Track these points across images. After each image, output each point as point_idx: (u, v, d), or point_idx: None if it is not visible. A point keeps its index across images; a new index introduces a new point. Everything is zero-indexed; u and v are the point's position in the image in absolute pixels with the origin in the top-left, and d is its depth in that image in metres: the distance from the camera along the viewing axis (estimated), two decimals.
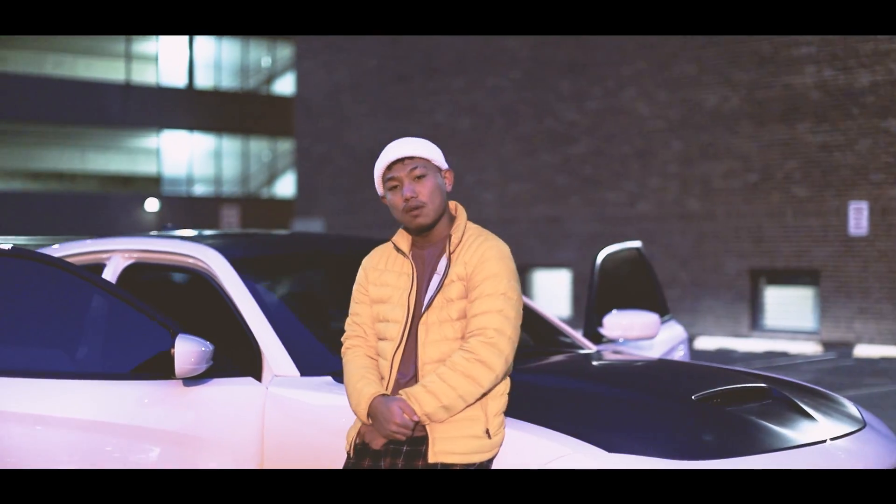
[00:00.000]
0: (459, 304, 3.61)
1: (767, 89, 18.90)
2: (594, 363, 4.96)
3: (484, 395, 3.56)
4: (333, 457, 3.88)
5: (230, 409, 4.25)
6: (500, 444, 3.61)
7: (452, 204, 3.79)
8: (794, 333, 18.73)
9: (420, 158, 3.68)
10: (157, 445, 4.14)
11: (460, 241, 3.68)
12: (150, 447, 4.13)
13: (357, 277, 3.86)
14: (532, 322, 5.54)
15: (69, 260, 5.61)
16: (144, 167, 39.48)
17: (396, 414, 3.49)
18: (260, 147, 39.58)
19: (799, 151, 18.54)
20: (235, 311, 4.60)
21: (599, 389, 4.25)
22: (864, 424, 4.31)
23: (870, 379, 13.72)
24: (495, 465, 3.60)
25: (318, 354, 4.44)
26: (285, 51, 38.98)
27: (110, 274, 5.23)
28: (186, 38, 37.21)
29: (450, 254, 3.67)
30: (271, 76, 39.80)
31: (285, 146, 39.01)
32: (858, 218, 17.85)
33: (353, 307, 3.83)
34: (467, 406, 3.53)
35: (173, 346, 4.08)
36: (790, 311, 19.14)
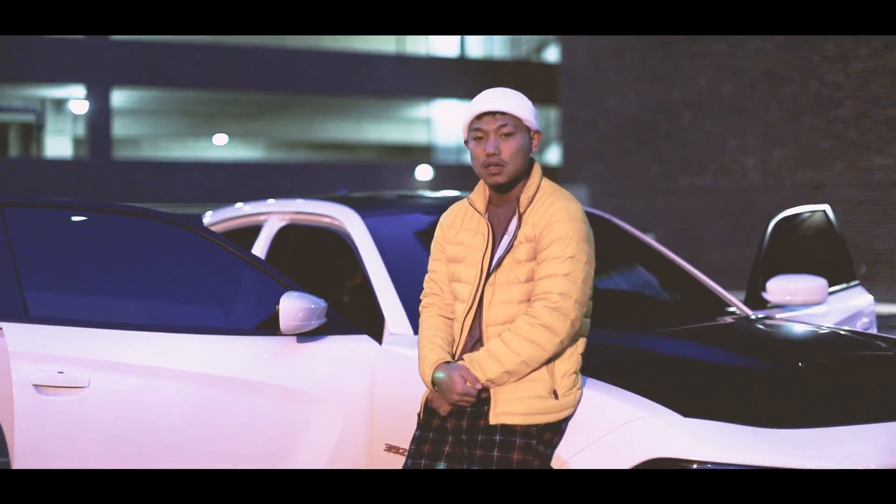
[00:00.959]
0: (528, 266, 3.54)
1: None
2: (727, 328, 4.79)
3: (551, 359, 3.49)
4: None
5: (342, 365, 4.32)
6: (575, 405, 3.54)
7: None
8: None
9: (512, 116, 3.59)
10: (266, 399, 4.25)
11: (531, 202, 3.60)
12: (259, 401, 4.24)
13: (435, 234, 3.83)
14: (683, 285, 5.41)
15: (232, 222, 5.84)
16: (417, 136, 40.30)
17: (458, 383, 3.47)
18: None
19: None
20: (364, 269, 4.68)
21: (706, 354, 4.11)
22: None
23: None
24: (570, 425, 3.54)
25: None
26: None
27: (267, 234, 5.41)
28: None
29: (520, 214, 3.59)
30: (542, 44, 39.84)
31: (555, 114, 39.04)
32: None
33: (431, 264, 3.80)
34: (532, 371, 3.48)
35: (278, 303, 4.17)
36: None
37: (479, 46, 39.10)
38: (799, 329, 4.75)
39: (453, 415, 3.55)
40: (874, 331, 6.01)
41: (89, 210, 4.40)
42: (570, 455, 3.51)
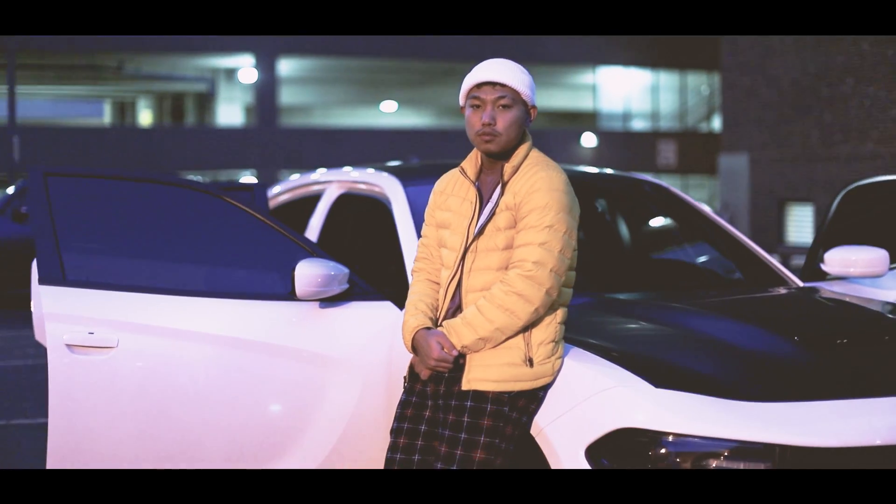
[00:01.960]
0: (507, 234, 3.58)
1: None
2: (752, 300, 4.73)
3: (528, 327, 3.54)
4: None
5: (363, 330, 4.43)
6: (553, 374, 3.58)
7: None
8: None
9: (511, 89, 3.62)
10: (288, 362, 4.39)
11: (516, 171, 3.64)
12: (282, 363, 4.38)
13: (429, 200, 3.91)
14: (737, 256, 5.35)
15: (297, 191, 6.01)
16: (583, 103, 40.11)
17: (435, 349, 3.54)
18: (698, 81, 39.13)
19: None
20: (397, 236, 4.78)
21: (707, 325, 4.07)
22: None
23: None
24: (550, 393, 3.59)
25: None
26: None
27: (325, 204, 5.56)
28: None
29: (503, 182, 3.63)
30: None
31: (716, 81, 38.43)
32: None
33: (424, 230, 3.87)
34: (508, 338, 3.54)
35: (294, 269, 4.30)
36: None
37: None
38: (832, 302, 4.66)
39: (433, 380, 3.63)
40: None
41: (127, 179, 4.61)
42: (546, 423, 3.56)
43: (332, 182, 5.66)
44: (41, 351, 11.06)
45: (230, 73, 37.36)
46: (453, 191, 3.78)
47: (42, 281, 4.37)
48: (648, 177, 5.73)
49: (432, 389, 3.63)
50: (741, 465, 3.34)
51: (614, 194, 5.82)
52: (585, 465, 3.43)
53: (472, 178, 3.73)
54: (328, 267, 4.32)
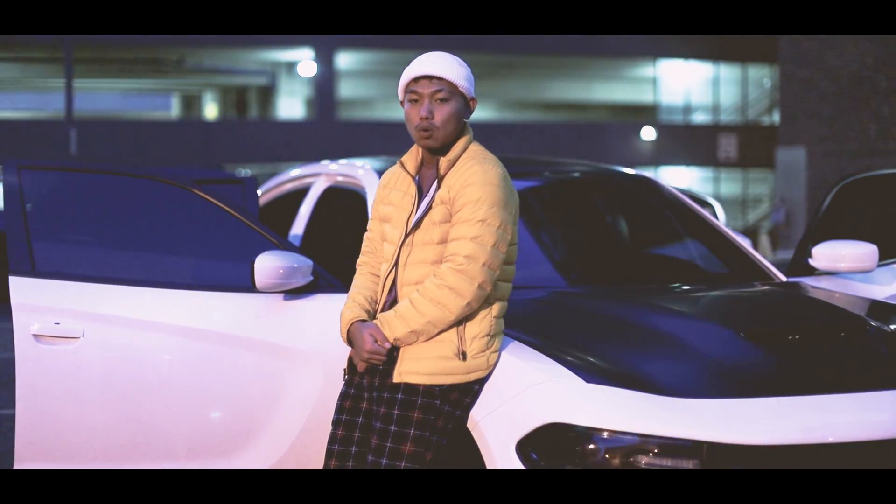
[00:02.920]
0: (442, 228, 3.59)
1: None
2: (720, 295, 4.69)
3: (463, 321, 3.55)
4: None
5: (327, 322, 4.45)
6: (487, 367, 3.58)
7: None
8: None
9: (448, 82, 3.65)
10: (251, 353, 4.42)
11: (452, 165, 3.64)
12: (245, 355, 4.42)
13: (375, 195, 3.93)
14: (721, 252, 5.30)
15: (285, 185, 6.06)
16: (643, 96, 39.86)
17: (368, 341, 3.56)
18: (760, 74, 38.74)
19: None
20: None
21: (661, 321, 4.04)
22: None
23: None
24: (486, 387, 3.59)
25: None
26: None
27: (311, 197, 5.61)
28: None
29: (440, 177, 3.65)
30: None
31: (774, 73, 38.03)
32: None
33: (369, 223, 3.89)
34: (442, 331, 3.55)
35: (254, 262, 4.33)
36: None
37: None
38: (801, 298, 4.61)
39: (369, 372, 3.65)
40: None
41: (99, 172, 4.67)
42: (481, 416, 3.57)
43: (319, 175, 5.70)
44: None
45: (290, 66, 37.60)
46: (395, 185, 3.79)
47: (12, 272, 4.44)
48: (644, 171, 5.69)
49: (368, 381, 3.66)
50: (669, 462, 3.32)
51: (600, 188, 5.79)
52: (515, 460, 3.44)
53: (412, 173, 3.75)
54: (290, 259, 4.35)
